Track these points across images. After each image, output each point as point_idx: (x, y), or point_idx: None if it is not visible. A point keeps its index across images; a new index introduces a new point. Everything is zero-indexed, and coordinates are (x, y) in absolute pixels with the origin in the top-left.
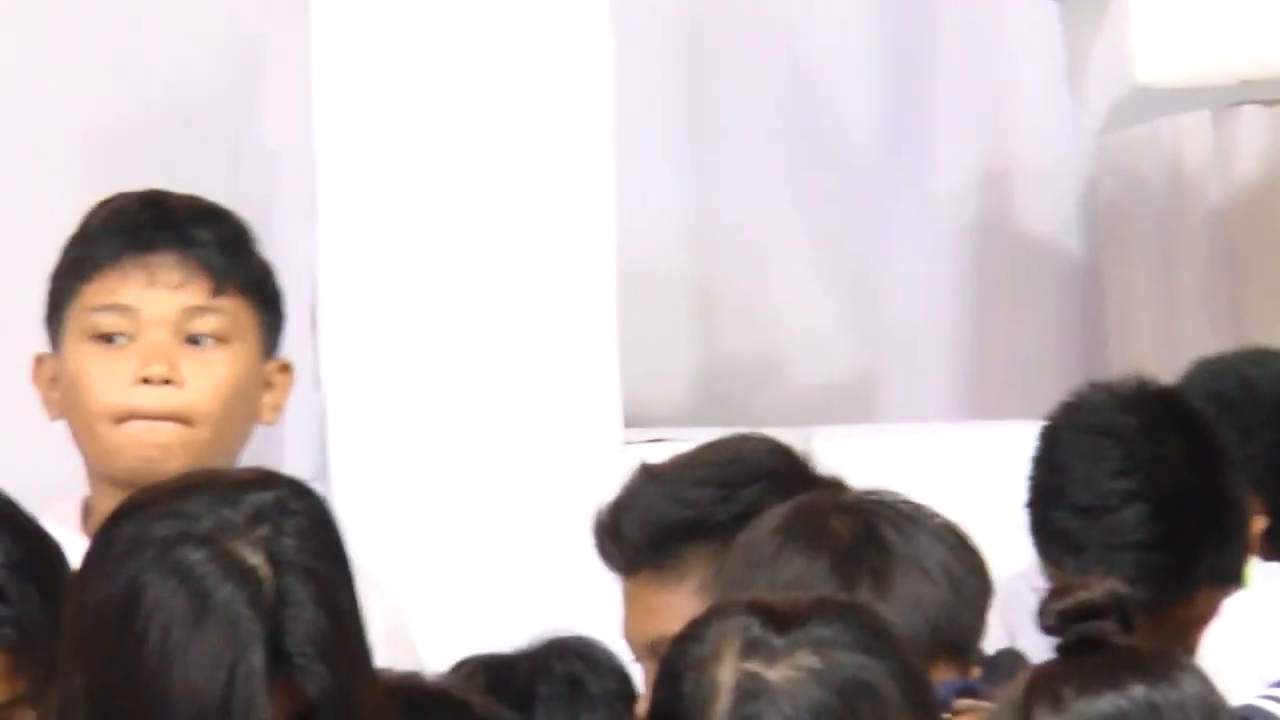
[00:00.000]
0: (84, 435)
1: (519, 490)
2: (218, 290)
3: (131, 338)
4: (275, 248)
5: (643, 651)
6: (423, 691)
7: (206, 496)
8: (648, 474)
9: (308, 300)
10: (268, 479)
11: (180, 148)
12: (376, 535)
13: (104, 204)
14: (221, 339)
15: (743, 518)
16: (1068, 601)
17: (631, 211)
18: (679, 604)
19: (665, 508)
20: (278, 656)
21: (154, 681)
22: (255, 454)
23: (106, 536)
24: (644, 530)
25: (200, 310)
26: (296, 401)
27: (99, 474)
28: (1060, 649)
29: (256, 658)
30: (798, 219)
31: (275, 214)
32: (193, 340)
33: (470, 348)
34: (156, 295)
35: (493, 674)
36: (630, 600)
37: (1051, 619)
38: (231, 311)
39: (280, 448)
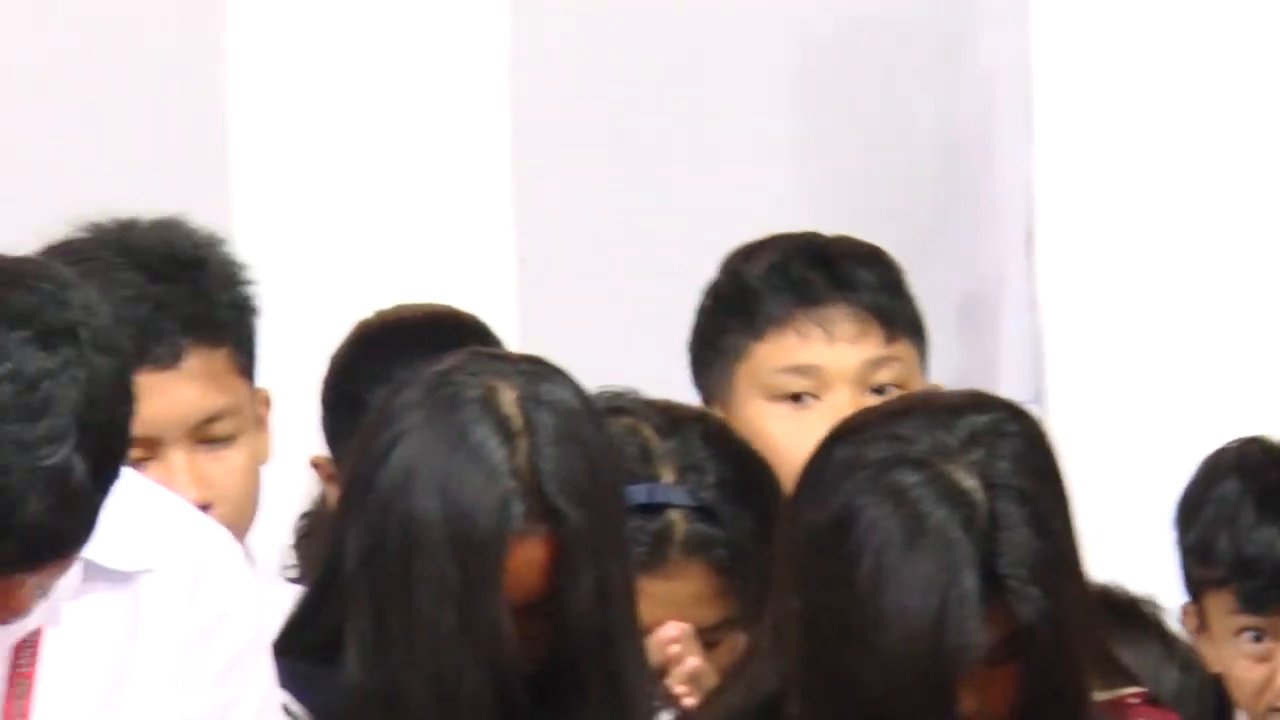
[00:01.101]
0: None
1: (1243, 412)
2: (891, 337)
3: (817, 396)
4: (991, 168)
5: None
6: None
7: (922, 419)
8: None
9: (1023, 221)
10: (983, 402)
11: (898, 68)
12: (1094, 457)
13: (755, 254)
14: (900, 385)
15: None
16: None
17: None
18: None
19: None
20: (991, 579)
21: (867, 603)
22: (971, 376)
23: (822, 459)
24: None
25: (880, 361)
26: (1013, 323)
27: None
28: None
29: (970, 580)
30: None
31: (991, 134)
32: (875, 390)
33: (1193, 266)
34: (838, 352)
35: None
36: None
37: None
38: (904, 356)
39: (996, 370)
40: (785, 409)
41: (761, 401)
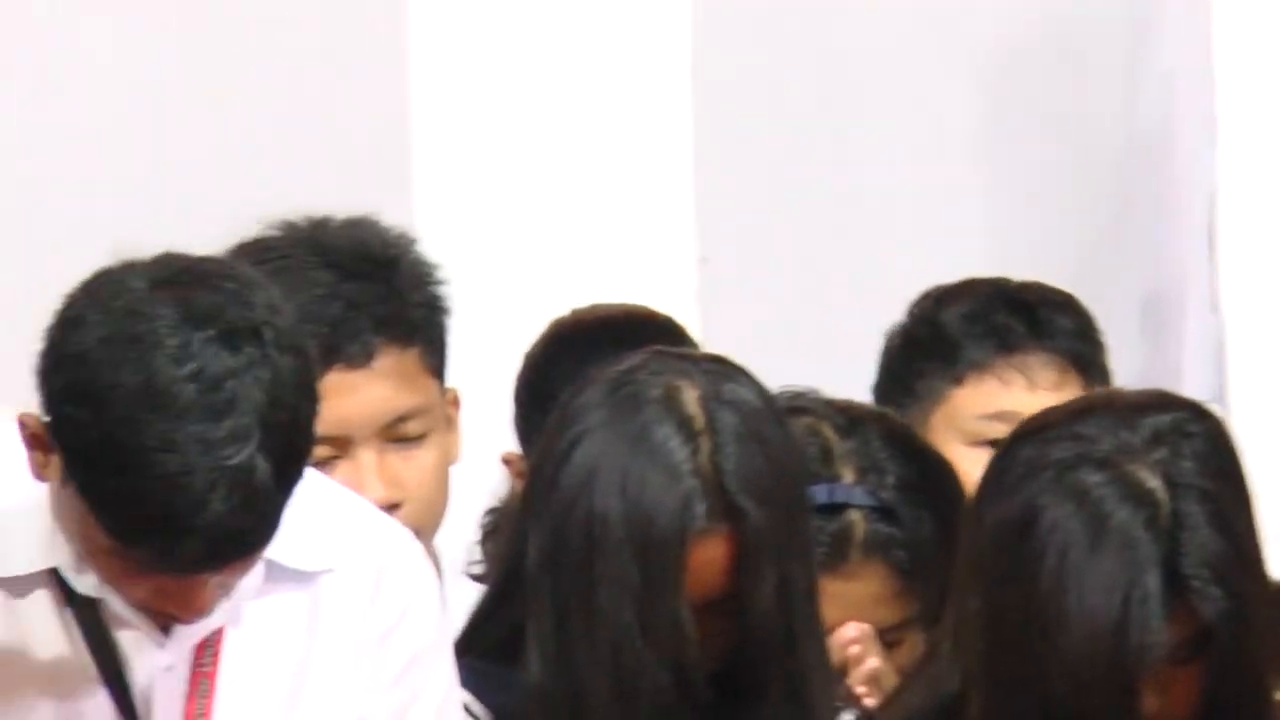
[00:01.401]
0: None
1: None
2: (1088, 384)
3: None
4: (1172, 168)
5: None
6: None
7: (1105, 419)
8: None
9: (1205, 221)
10: (1166, 401)
11: (1080, 68)
12: (1277, 457)
13: (950, 300)
14: None
15: None
16: None
17: None
18: None
19: None
20: (1173, 579)
21: (1049, 603)
22: (1153, 376)
23: (1005, 459)
24: None
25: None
26: (1195, 323)
27: None
28: None
29: (1153, 580)
30: None
31: (1173, 135)
32: None
33: None
34: (1039, 398)
35: None
36: None
37: None
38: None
39: (1178, 370)
40: (984, 454)
41: (959, 446)
